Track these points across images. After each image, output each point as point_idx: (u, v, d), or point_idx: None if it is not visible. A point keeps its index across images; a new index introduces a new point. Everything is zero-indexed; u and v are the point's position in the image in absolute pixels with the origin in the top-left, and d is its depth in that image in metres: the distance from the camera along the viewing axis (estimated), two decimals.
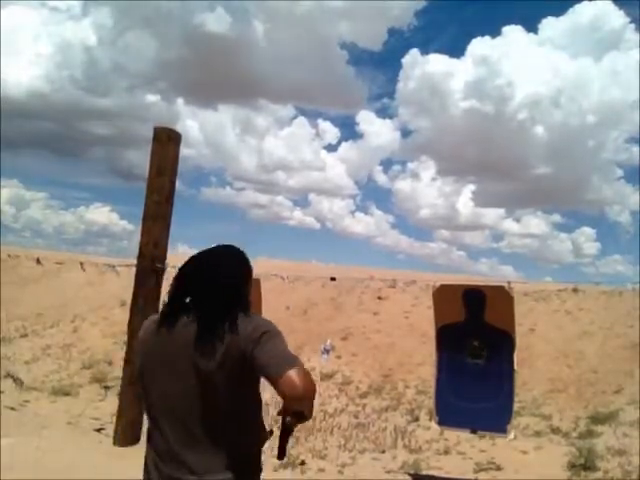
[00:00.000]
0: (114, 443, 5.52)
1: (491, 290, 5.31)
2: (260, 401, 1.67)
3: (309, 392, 1.43)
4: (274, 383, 1.43)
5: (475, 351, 5.24)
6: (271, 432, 1.71)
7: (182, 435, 1.55)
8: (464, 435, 6.28)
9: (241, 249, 1.78)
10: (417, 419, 8.36)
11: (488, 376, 5.23)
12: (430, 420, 7.39)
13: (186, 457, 1.54)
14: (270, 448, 1.76)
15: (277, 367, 1.44)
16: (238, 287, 1.68)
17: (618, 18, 56.75)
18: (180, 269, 1.73)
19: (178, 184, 3.23)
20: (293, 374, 1.41)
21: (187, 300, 1.64)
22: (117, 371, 8.06)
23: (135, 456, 2.16)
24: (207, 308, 1.59)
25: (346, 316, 13.37)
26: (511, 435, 5.23)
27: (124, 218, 73.69)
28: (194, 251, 1.77)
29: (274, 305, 13.45)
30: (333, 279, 13.70)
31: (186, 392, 1.55)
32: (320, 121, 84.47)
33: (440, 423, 5.55)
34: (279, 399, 1.45)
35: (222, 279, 1.65)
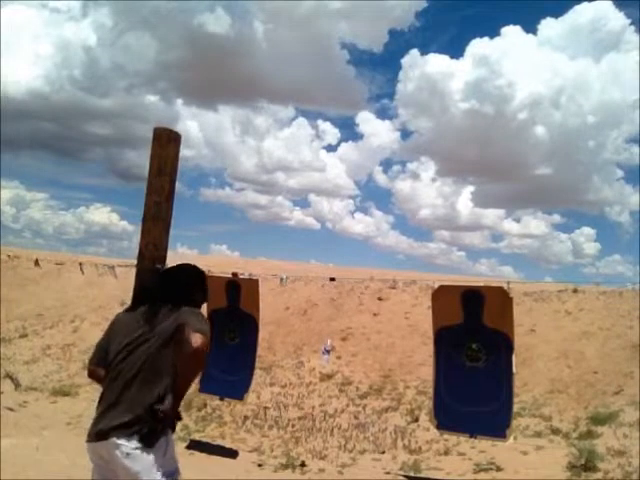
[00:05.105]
0: None
1: (490, 291, 5.28)
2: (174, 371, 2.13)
3: (203, 349, 2.06)
4: (189, 332, 2.04)
5: (473, 354, 5.20)
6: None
7: (127, 377, 2.11)
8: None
9: (200, 269, 2.48)
10: (417, 420, 8.35)
11: (486, 379, 5.18)
12: (430, 421, 7.40)
13: (126, 394, 2.09)
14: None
15: (196, 327, 2.06)
16: (188, 294, 2.32)
17: (618, 19, 56.97)
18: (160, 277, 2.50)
19: (178, 185, 3.23)
20: (204, 336, 2.04)
21: (153, 294, 2.31)
22: None
23: None
24: (166, 302, 2.24)
25: (346, 316, 13.35)
26: (510, 440, 5.19)
27: (124, 219, 73.86)
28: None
29: (274, 305, 13.44)
30: (333, 279, 13.70)
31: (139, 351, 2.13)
32: (320, 122, 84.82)
33: (439, 427, 5.52)
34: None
35: (178, 289, 2.31)
